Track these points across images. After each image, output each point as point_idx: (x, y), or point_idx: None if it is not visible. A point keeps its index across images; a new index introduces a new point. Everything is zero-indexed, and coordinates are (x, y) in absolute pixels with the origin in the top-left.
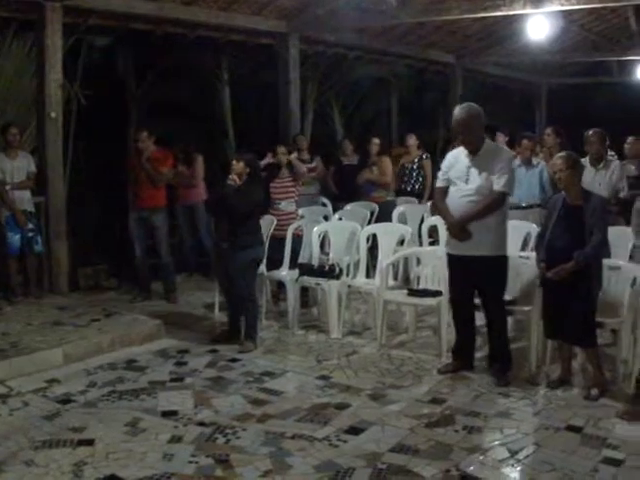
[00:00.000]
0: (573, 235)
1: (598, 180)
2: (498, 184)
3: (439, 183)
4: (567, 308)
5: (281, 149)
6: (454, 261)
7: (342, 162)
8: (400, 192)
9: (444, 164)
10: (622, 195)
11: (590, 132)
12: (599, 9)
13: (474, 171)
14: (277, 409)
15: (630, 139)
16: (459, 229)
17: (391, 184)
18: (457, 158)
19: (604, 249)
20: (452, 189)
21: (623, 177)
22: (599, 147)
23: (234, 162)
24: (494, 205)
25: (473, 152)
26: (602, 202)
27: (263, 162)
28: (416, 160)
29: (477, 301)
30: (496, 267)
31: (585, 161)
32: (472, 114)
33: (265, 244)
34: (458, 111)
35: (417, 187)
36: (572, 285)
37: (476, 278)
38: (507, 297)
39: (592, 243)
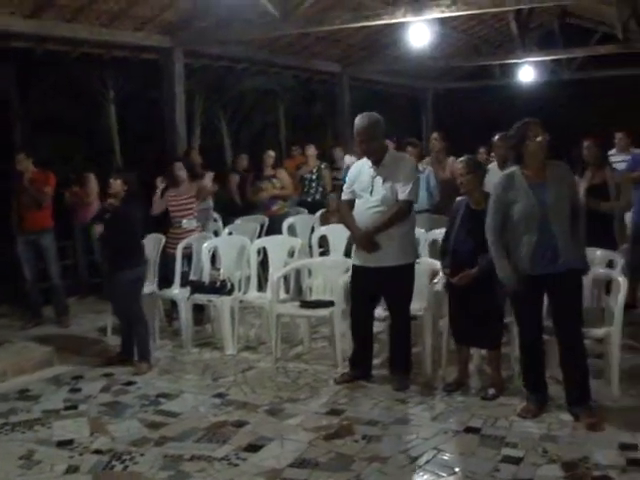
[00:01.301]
0: (477, 239)
1: None
2: (403, 193)
3: (344, 196)
4: (474, 312)
5: (178, 165)
6: (359, 272)
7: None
8: (301, 203)
9: (348, 176)
10: None
11: (497, 136)
12: (480, 14)
13: (378, 181)
14: (174, 431)
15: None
16: (367, 241)
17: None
18: (361, 169)
19: None
20: (358, 201)
21: None
22: (503, 151)
23: (111, 180)
24: (400, 215)
25: (377, 162)
26: None
27: (161, 187)
28: (315, 170)
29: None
30: (402, 276)
31: (494, 164)
32: (372, 123)
33: (149, 263)
34: (358, 121)
35: (317, 197)
36: (477, 289)
37: (382, 288)
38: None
39: None
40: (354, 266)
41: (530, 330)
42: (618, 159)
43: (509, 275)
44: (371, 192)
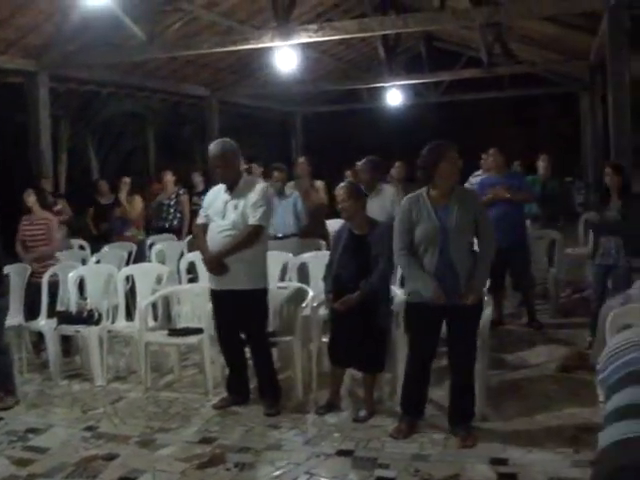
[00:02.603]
0: (359, 264)
1: (372, 208)
2: (253, 217)
3: (199, 219)
4: (357, 336)
5: (27, 192)
6: (216, 296)
7: (100, 202)
8: (158, 229)
9: (205, 200)
10: None
11: (360, 162)
12: (348, 39)
13: (231, 206)
14: (43, 467)
15: (397, 163)
16: (216, 264)
17: (141, 223)
18: (217, 194)
19: (391, 276)
20: (212, 225)
21: (398, 203)
22: (368, 175)
23: None
24: (249, 239)
25: (231, 187)
26: (388, 230)
27: None
28: (173, 196)
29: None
30: (256, 300)
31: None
32: (226, 149)
33: (9, 293)
34: (213, 147)
35: (175, 223)
36: (361, 313)
37: (238, 312)
38: (270, 329)
39: (378, 272)
40: (210, 290)
41: (424, 356)
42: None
43: (430, 286)
44: (223, 216)
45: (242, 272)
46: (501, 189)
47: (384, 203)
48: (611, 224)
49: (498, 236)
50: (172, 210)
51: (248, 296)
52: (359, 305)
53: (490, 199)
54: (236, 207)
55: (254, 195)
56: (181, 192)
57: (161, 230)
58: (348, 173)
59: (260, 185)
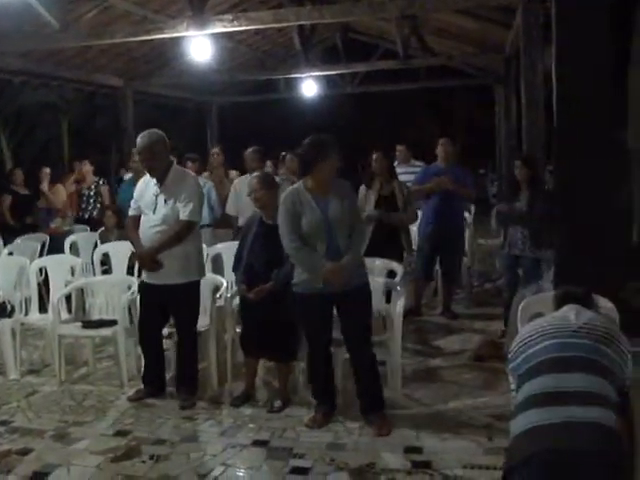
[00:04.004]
0: (272, 254)
1: None
2: (184, 213)
3: (130, 212)
4: (269, 326)
5: None
6: (147, 289)
7: (18, 192)
8: (79, 220)
9: (136, 191)
10: None
11: (248, 150)
12: (264, 29)
13: (161, 200)
14: None
15: (288, 156)
16: (148, 260)
17: (67, 212)
18: (147, 185)
19: None
20: (143, 218)
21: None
22: (255, 165)
23: None
24: (180, 235)
25: (160, 180)
26: None
27: None
28: (93, 187)
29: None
30: (187, 294)
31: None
32: (154, 141)
33: None
34: (140, 140)
35: (95, 213)
36: (272, 303)
37: (168, 305)
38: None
39: (291, 262)
40: (142, 282)
41: (319, 342)
42: (399, 171)
43: (322, 269)
44: (154, 210)
45: (174, 267)
46: (446, 179)
47: None
48: (517, 215)
49: (436, 225)
50: (92, 200)
51: (180, 290)
52: (270, 295)
53: (429, 188)
54: (166, 201)
55: (185, 189)
56: (101, 182)
57: (83, 221)
58: (268, 163)
59: (191, 178)
